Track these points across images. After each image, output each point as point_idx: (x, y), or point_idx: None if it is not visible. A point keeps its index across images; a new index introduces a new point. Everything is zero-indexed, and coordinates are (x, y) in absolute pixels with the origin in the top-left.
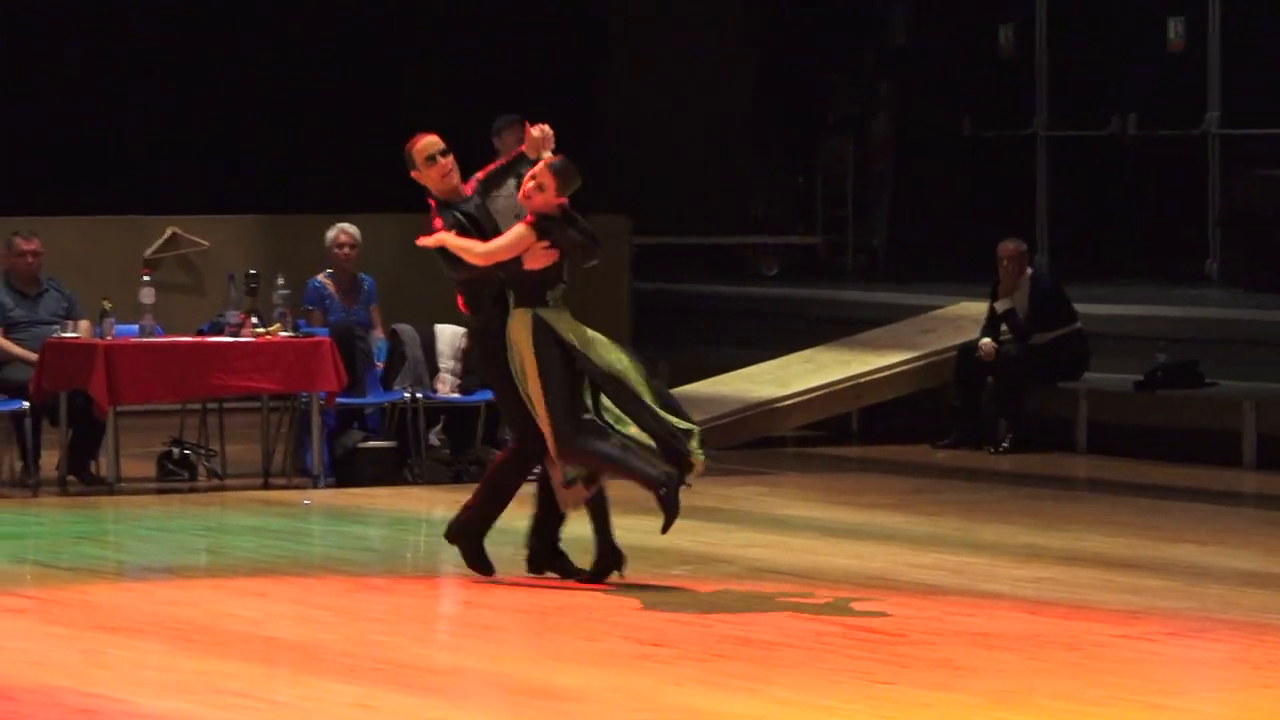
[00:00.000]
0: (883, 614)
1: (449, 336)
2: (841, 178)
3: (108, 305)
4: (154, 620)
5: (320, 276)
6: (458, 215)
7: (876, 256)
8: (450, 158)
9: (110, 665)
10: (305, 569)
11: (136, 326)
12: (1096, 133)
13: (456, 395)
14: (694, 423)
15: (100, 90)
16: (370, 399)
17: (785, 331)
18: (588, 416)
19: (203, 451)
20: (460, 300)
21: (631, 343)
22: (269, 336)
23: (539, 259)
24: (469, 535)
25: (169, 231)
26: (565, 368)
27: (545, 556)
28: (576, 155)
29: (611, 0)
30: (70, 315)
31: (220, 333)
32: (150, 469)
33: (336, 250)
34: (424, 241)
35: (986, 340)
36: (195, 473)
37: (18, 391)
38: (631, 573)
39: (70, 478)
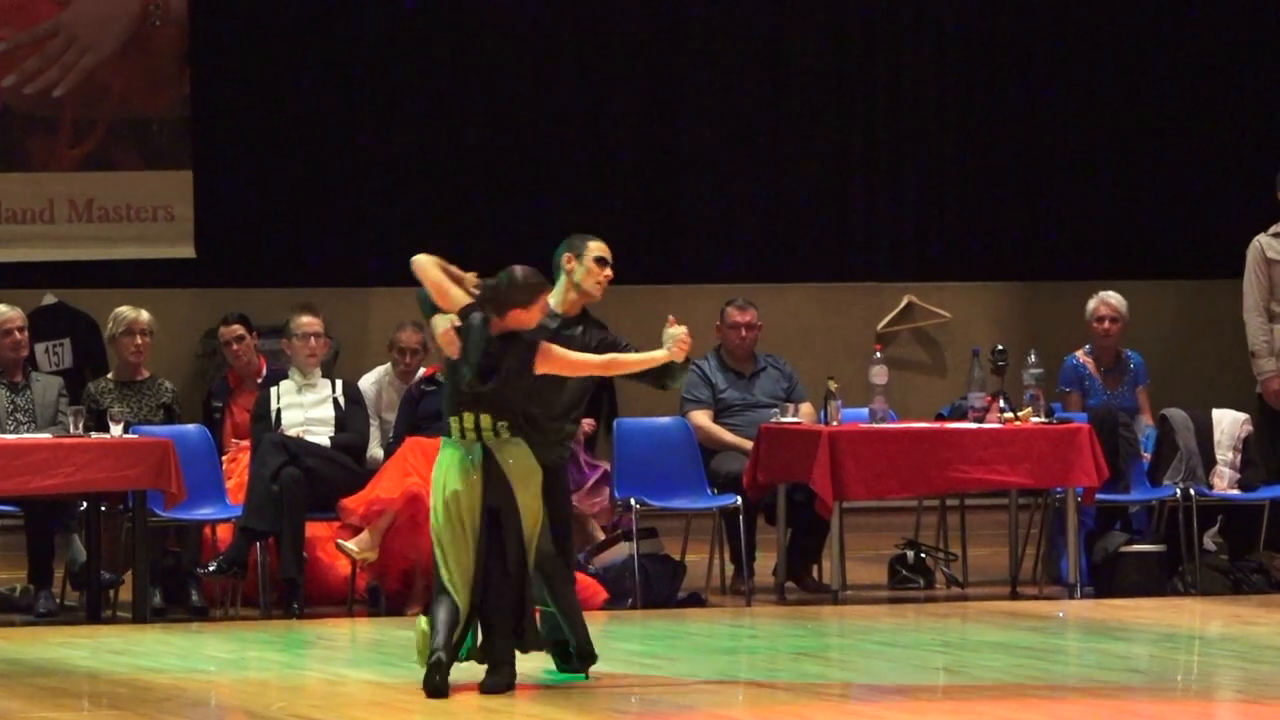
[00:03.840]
0: None
1: (1228, 424)
2: None
3: (833, 386)
4: None
5: (1079, 354)
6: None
7: None
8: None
9: None
10: (1058, 692)
11: (866, 410)
12: None
13: (1236, 491)
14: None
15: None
16: (1135, 495)
17: None
18: None
19: (941, 555)
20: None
21: None
22: (1019, 423)
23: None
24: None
25: (905, 300)
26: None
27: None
28: None
29: None
30: (790, 397)
31: (962, 418)
32: (880, 575)
33: (1097, 324)
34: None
35: None
36: (932, 579)
37: (730, 484)
38: None
39: (789, 584)
